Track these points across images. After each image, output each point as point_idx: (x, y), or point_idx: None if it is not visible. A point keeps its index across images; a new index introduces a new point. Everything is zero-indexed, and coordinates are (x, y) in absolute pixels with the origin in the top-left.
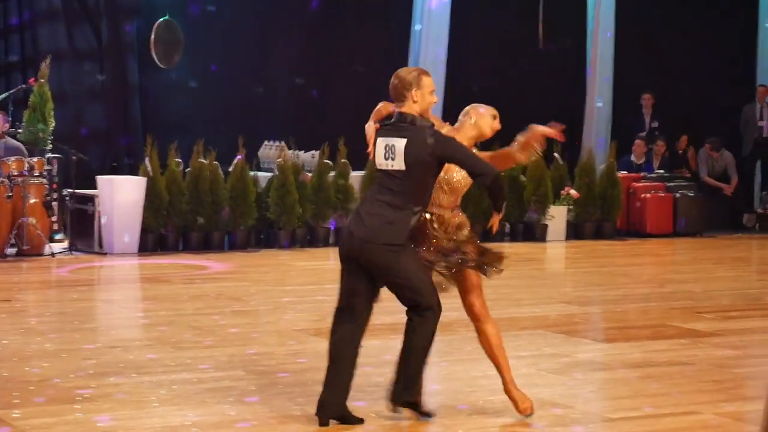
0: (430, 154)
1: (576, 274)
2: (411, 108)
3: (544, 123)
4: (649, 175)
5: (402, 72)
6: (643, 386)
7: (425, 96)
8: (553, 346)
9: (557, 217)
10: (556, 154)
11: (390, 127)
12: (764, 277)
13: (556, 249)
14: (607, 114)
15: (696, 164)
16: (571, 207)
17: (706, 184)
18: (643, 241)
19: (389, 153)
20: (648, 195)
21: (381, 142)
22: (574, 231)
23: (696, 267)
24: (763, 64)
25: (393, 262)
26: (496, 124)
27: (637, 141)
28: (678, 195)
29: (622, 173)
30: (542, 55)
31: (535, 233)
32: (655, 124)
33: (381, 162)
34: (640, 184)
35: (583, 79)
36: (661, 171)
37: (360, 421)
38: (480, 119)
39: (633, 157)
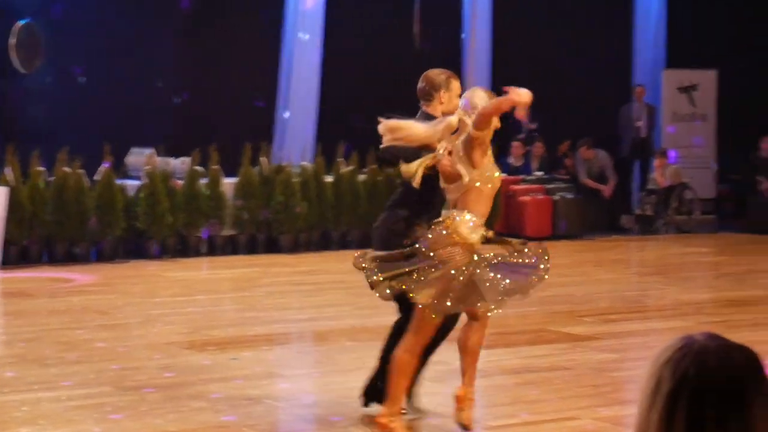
0: None
1: None
2: (436, 109)
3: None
4: (527, 178)
5: (431, 74)
6: (522, 392)
7: (452, 99)
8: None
9: None
10: None
11: None
12: (643, 279)
13: None
14: None
15: (574, 166)
16: None
17: (585, 185)
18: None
19: None
20: (527, 198)
21: None
22: None
23: (575, 270)
24: (640, 64)
25: None
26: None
27: (515, 143)
28: (557, 197)
29: (502, 176)
30: (419, 54)
31: None
32: (533, 126)
33: None
34: (519, 187)
35: (460, 79)
36: (540, 173)
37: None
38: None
39: (511, 159)
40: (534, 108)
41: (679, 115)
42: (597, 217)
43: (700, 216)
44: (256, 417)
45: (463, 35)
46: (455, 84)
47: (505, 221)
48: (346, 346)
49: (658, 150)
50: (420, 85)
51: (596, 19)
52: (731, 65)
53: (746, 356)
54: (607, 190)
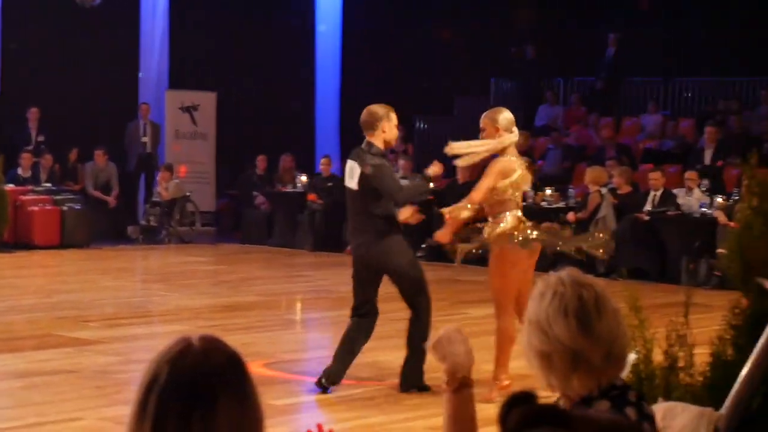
0: (366, 179)
1: None
2: (378, 138)
3: None
4: (36, 188)
5: (372, 108)
6: (27, 396)
7: (392, 128)
8: None
9: None
10: None
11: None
12: (147, 286)
13: None
14: None
15: (83, 178)
16: None
17: (92, 196)
18: (30, 253)
19: (349, 174)
20: (36, 208)
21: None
22: None
23: (83, 278)
24: (144, 83)
25: None
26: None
27: (24, 154)
28: (65, 208)
29: (10, 186)
30: None
31: None
32: (42, 138)
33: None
34: (28, 197)
35: None
36: (49, 184)
37: None
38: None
39: (20, 171)
40: (42, 122)
41: (182, 132)
42: (104, 227)
43: (201, 228)
44: None
45: None
46: (393, 115)
47: (13, 231)
48: None
49: (163, 165)
50: (363, 117)
51: (103, 38)
52: (229, 88)
53: (227, 359)
54: (111, 200)
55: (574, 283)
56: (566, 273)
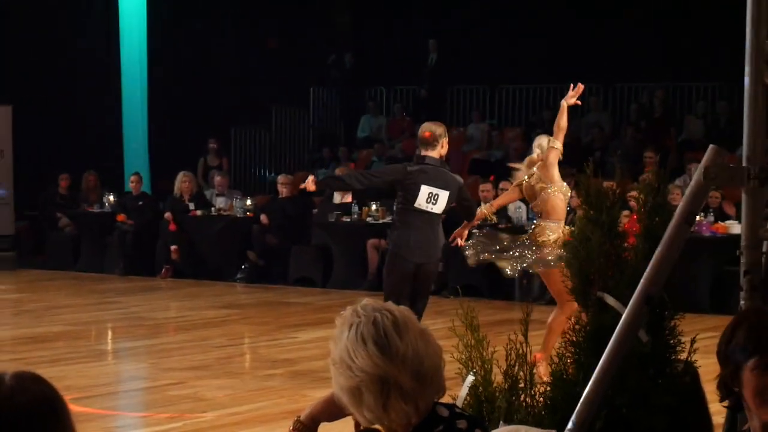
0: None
1: None
2: (437, 152)
3: None
4: None
5: (432, 126)
6: None
7: (444, 144)
8: None
9: None
10: None
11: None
12: None
13: None
14: None
15: None
16: None
17: None
18: None
19: (432, 199)
20: None
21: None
22: None
23: None
24: None
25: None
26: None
27: None
28: None
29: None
30: None
31: None
32: None
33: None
34: None
35: None
36: None
37: None
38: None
39: None
40: None
41: None
42: None
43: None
44: None
45: None
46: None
47: None
48: None
49: None
50: (424, 134)
51: None
52: (27, 100)
53: (37, 399)
54: None
55: (368, 311)
56: (360, 304)
